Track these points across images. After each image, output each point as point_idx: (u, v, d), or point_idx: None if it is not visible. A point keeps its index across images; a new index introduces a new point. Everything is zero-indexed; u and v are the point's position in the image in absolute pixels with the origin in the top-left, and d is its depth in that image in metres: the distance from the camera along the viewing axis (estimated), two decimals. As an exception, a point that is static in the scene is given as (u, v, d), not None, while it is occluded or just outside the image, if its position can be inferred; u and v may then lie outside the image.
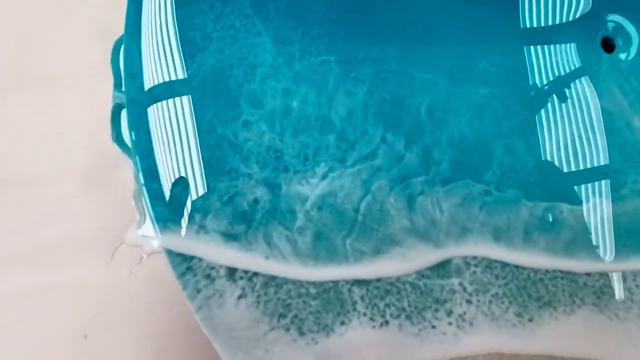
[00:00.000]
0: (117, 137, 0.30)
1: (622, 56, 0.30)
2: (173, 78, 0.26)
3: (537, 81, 0.29)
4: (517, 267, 0.27)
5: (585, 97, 0.29)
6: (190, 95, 0.26)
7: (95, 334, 0.29)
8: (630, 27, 0.30)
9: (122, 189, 0.31)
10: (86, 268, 0.30)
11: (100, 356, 0.29)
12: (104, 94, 0.31)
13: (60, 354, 0.28)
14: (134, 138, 0.26)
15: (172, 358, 0.29)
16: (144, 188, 0.25)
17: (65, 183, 0.31)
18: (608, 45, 0.30)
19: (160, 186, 0.25)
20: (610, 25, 0.30)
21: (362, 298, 0.25)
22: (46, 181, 0.31)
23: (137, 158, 0.25)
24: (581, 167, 0.28)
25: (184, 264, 0.25)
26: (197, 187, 0.25)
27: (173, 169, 0.25)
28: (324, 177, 0.26)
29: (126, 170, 0.31)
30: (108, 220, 0.30)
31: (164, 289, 0.29)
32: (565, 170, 0.28)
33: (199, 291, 0.24)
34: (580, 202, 0.28)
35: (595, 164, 0.28)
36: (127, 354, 0.28)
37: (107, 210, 0.31)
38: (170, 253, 0.25)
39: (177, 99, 0.26)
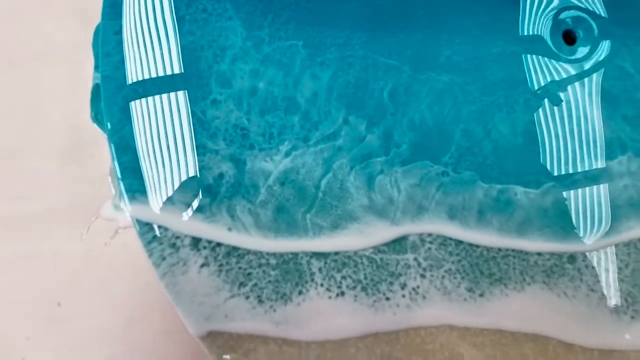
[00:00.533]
0: (96, 116, 0.32)
1: (582, 48, 0.31)
2: (151, 58, 0.28)
3: (498, 69, 0.30)
4: (470, 245, 0.28)
5: (545, 86, 0.30)
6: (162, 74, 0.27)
7: (68, 302, 0.30)
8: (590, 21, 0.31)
9: (99, 166, 0.32)
10: (62, 240, 0.31)
11: (73, 322, 0.30)
12: (85, 74, 0.32)
13: (34, 320, 0.30)
14: (106, 113, 0.27)
15: (143, 326, 0.30)
16: (114, 160, 0.27)
17: (45, 159, 0.32)
18: (570, 38, 0.32)
19: (129, 159, 0.26)
20: (571, 17, 0.31)
21: (320, 270, 0.27)
22: (26, 156, 0.32)
23: (109, 132, 0.27)
24: (537, 152, 0.29)
25: (150, 232, 0.26)
26: (165, 161, 0.27)
27: (143, 143, 0.27)
28: (287, 154, 0.27)
29: (104, 148, 0.32)
30: (85, 195, 0.32)
31: (136, 260, 0.30)
32: (521, 154, 0.29)
33: (164, 259, 0.26)
34: (534, 186, 0.29)
35: (551, 150, 0.29)
36: (98, 321, 0.30)
37: (84, 185, 0.32)
38: (138, 222, 0.26)
39: (150, 77, 0.27)
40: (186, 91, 0.27)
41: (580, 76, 0.31)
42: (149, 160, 0.26)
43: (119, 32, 0.28)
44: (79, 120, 0.32)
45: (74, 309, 0.30)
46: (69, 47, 0.33)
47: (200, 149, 0.27)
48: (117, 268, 0.31)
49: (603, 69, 0.31)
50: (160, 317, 0.29)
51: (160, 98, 0.27)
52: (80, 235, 0.31)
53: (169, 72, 0.28)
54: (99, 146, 0.32)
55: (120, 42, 0.28)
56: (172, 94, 0.27)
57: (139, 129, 0.27)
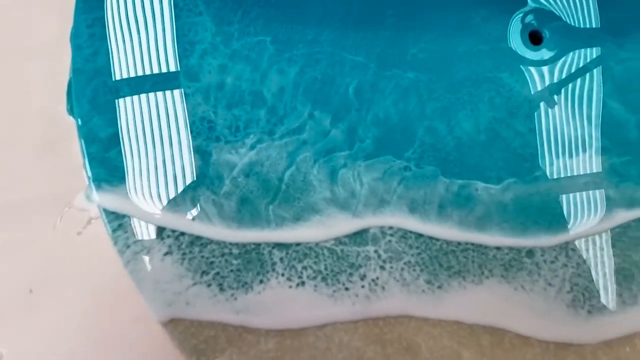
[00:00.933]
0: (72, 109, 0.32)
1: (548, 49, 0.32)
2: (122, 51, 0.29)
3: (464, 68, 0.31)
4: (430, 238, 0.29)
5: (508, 85, 0.31)
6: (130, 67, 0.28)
7: (40, 289, 0.31)
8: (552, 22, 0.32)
9: (74, 158, 0.33)
10: (36, 228, 0.32)
11: (44, 309, 0.31)
12: (63, 68, 0.33)
13: (6, 306, 0.30)
14: (76, 105, 0.28)
15: (113, 313, 0.31)
16: (83, 151, 0.27)
17: (21, 150, 0.33)
18: (536, 38, 0.32)
19: (98, 149, 0.27)
20: (538, 18, 0.32)
21: (281, 260, 0.27)
22: (2, 147, 0.33)
23: (79, 123, 0.27)
24: (499, 149, 0.30)
25: (116, 221, 0.27)
26: (133, 152, 0.27)
27: (112, 134, 0.27)
28: (252, 147, 0.28)
29: (78, 140, 0.33)
30: (59, 186, 0.32)
31: (107, 249, 0.31)
32: (483, 151, 0.30)
33: (128, 247, 0.26)
34: (495, 182, 0.29)
35: (513, 147, 0.30)
36: (70, 308, 0.30)
37: (58, 176, 0.33)
38: (105, 211, 0.27)
39: (120, 70, 0.28)
40: (154, 83, 0.28)
41: (544, 76, 0.31)
42: (116, 151, 0.27)
43: (91, 25, 0.29)
44: (55, 113, 0.33)
45: (46, 296, 0.31)
46: (48, 41, 0.34)
47: (167, 141, 0.28)
48: (89, 257, 0.31)
49: (567, 69, 0.31)
50: (130, 305, 0.30)
51: (130, 90, 0.28)
52: (54, 224, 0.32)
53: (140, 66, 0.28)
54: (74, 138, 0.33)
55: (92, 36, 0.28)
56: (142, 87, 0.28)
57: (108, 120, 0.28)
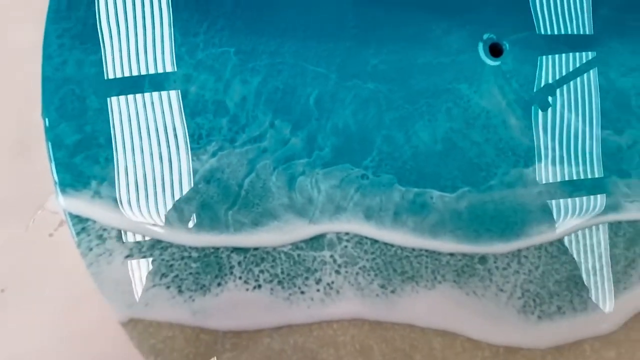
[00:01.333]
0: (46, 114, 0.34)
1: (507, 60, 0.33)
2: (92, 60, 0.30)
3: (423, 79, 0.32)
4: (385, 244, 0.30)
5: (466, 96, 0.32)
6: (97, 75, 0.29)
7: (13, 289, 0.32)
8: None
9: (47, 161, 0.34)
10: (8, 229, 0.33)
11: (15, 308, 0.32)
12: (38, 74, 0.34)
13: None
14: (45, 112, 0.29)
15: (81, 313, 0.32)
16: (51, 156, 0.28)
17: (-4, 153, 0.34)
18: (496, 50, 0.33)
19: (64, 155, 0.28)
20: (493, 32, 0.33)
21: (239, 263, 0.28)
22: (-21, 150, 0.34)
23: (47, 129, 0.28)
24: (455, 159, 0.31)
25: (79, 224, 0.28)
26: (97, 158, 0.28)
27: (78, 140, 0.28)
28: (213, 154, 0.29)
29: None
30: (32, 188, 0.34)
31: (76, 250, 0.32)
32: (440, 160, 0.31)
33: (90, 249, 0.28)
34: (450, 190, 0.30)
35: (469, 156, 0.31)
36: (41, 307, 0.32)
37: (31, 179, 0.34)
38: (69, 214, 0.28)
39: (87, 79, 0.29)
40: (121, 92, 0.29)
41: (502, 87, 0.32)
42: (81, 157, 0.28)
43: (60, 35, 0.30)
44: (30, 117, 0.34)
45: (18, 295, 0.32)
46: (24, 47, 0.35)
47: (130, 147, 0.29)
48: (59, 258, 0.33)
49: (524, 80, 0.32)
50: (96, 305, 0.31)
51: (96, 99, 0.29)
52: (26, 225, 0.33)
53: (104, 74, 0.29)
54: (48, 142, 0.34)
55: (61, 46, 0.30)
56: (108, 95, 0.29)
57: (74, 127, 0.29)
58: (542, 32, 0.33)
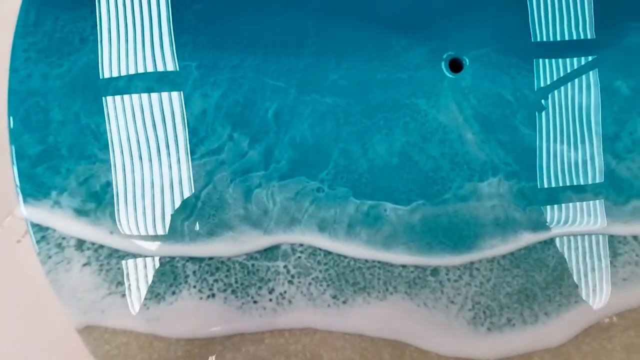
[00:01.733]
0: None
1: (465, 75, 0.33)
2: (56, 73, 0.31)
3: (381, 94, 0.32)
4: (339, 255, 0.30)
5: (424, 111, 0.32)
6: (61, 88, 0.30)
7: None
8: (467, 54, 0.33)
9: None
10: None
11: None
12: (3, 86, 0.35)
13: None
14: (10, 123, 0.30)
15: (46, 320, 0.33)
16: (14, 166, 0.29)
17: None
18: (456, 65, 0.34)
19: (26, 165, 0.29)
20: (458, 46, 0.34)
21: (194, 272, 0.29)
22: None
23: (11, 140, 0.29)
24: (410, 172, 0.32)
25: (39, 233, 0.29)
26: (58, 169, 0.29)
27: (40, 152, 0.29)
28: (171, 166, 0.30)
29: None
30: (1, 195, 0.35)
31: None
32: (395, 174, 0.32)
33: (49, 257, 0.28)
34: (404, 203, 0.31)
35: (425, 170, 0.32)
36: (7, 314, 0.32)
37: (1, 185, 0.35)
38: (30, 223, 0.29)
39: (52, 92, 0.30)
40: (83, 104, 0.30)
41: (460, 102, 0.33)
42: (42, 168, 0.29)
43: (27, 49, 0.31)
44: (0, 124, 0.35)
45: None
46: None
47: (92, 158, 0.30)
48: (27, 264, 0.33)
49: (482, 96, 0.33)
50: (60, 312, 0.32)
51: (60, 111, 0.30)
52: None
53: (68, 87, 0.30)
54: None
55: (27, 59, 0.31)
56: (70, 108, 0.30)
57: (37, 138, 0.30)
58: (501, 49, 0.33)
